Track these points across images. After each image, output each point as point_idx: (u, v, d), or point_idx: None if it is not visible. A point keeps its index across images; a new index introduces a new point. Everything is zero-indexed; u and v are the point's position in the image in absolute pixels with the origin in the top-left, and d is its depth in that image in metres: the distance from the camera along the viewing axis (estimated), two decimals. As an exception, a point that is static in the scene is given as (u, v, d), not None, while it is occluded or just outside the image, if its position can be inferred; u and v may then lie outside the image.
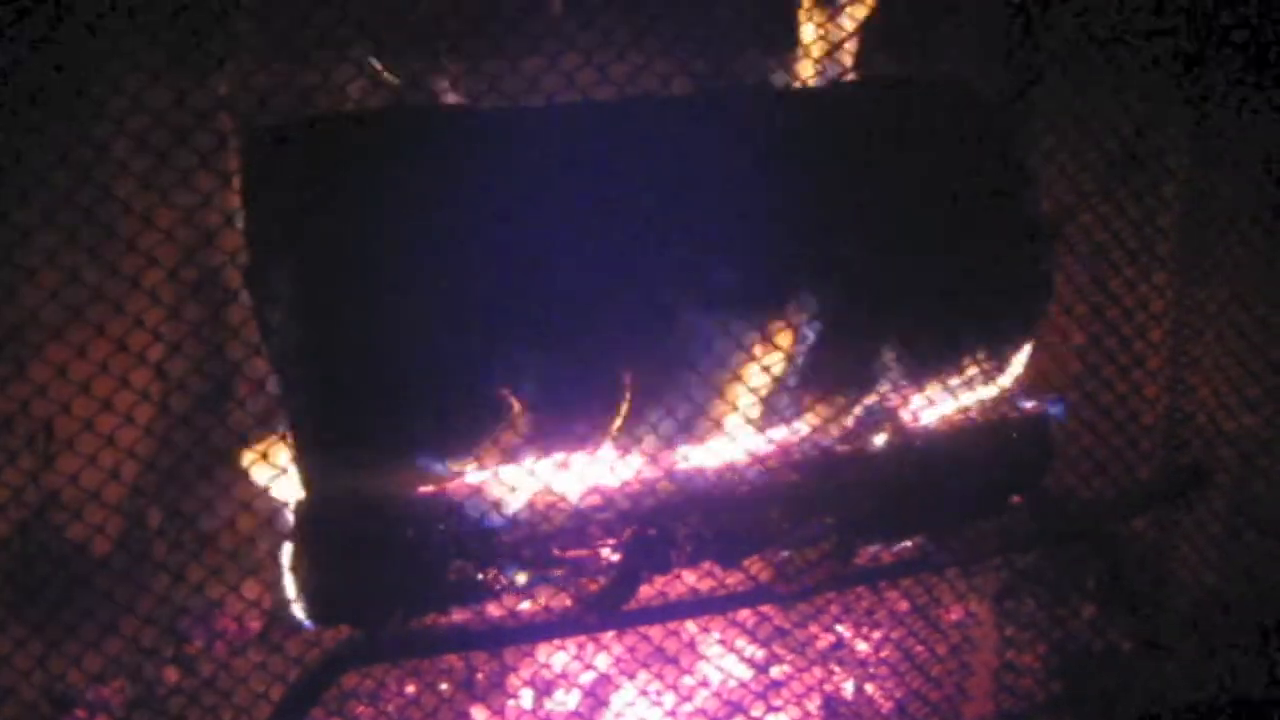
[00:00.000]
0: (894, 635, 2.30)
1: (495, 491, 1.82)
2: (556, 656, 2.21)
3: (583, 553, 1.88)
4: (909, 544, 2.09)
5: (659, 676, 2.16)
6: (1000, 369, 2.12)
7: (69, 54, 1.49)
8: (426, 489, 1.79)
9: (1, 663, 1.79)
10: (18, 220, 1.52)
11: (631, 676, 2.19)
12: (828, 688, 2.27)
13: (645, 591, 1.95)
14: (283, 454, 1.76)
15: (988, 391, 2.12)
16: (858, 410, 2.00)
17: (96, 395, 1.63)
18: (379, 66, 1.78)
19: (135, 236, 1.58)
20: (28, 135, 1.51)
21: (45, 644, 1.85)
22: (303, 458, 1.74)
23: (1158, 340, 2.21)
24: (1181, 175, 2.21)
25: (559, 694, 2.23)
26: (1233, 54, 2.06)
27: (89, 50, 1.51)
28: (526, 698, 2.24)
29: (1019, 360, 2.13)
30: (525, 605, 1.92)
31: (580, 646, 2.17)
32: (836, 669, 2.32)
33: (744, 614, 2.17)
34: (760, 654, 2.30)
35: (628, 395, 1.84)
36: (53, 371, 1.61)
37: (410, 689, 2.18)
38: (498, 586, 1.85)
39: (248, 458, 1.82)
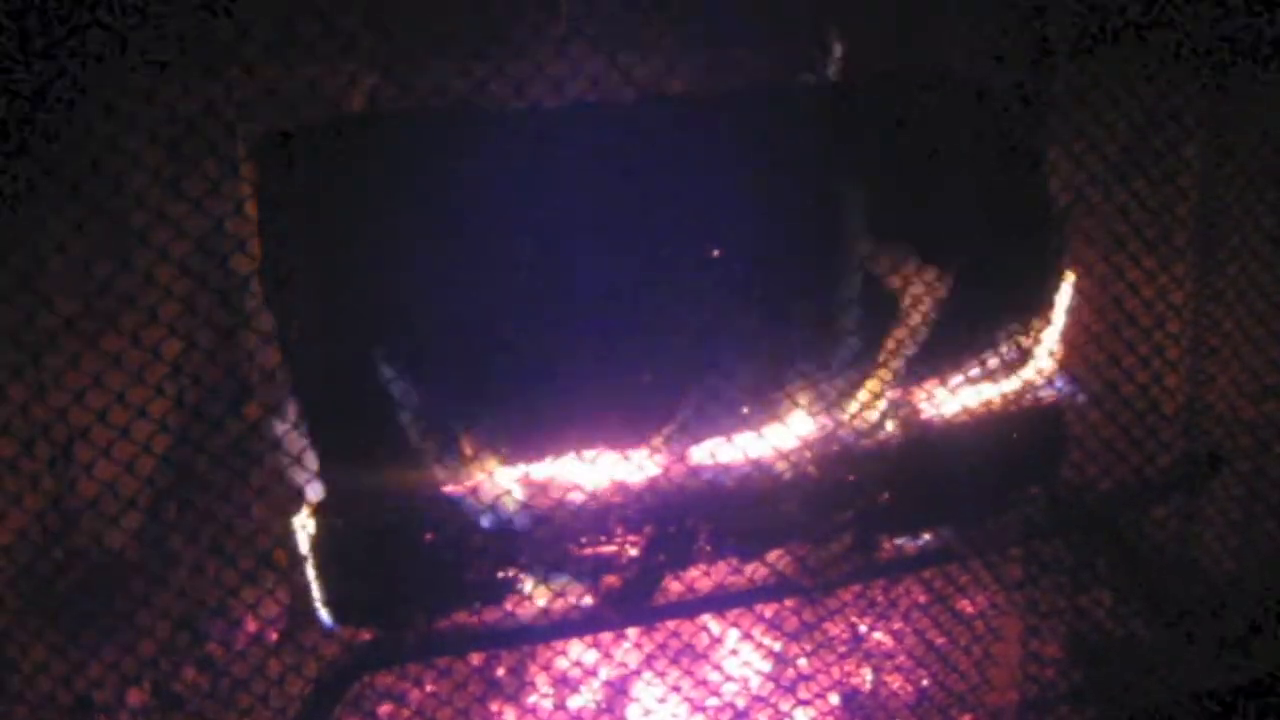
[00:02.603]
0: (917, 626, 2.31)
1: (516, 490, 1.83)
2: (580, 653, 2.21)
3: (606, 549, 1.89)
4: (930, 536, 2.10)
5: (684, 671, 2.16)
6: (1017, 359, 2.13)
7: (97, 64, 1.50)
8: (449, 488, 1.80)
9: (29, 666, 1.80)
10: (51, 228, 1.53)
11: (655, 672, 2.19)
12: (853, 680, 2.28)
13: (669, 586, 1.96)
14: (307, 455, 1.76)
15: (1006, 382, 2.13)
16: (877, 403, 2.01)
17: (127, 401, 1.64)
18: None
19: (165, 244, 1.59)
20: (58, 145, 1.52)
21: (70, 654, 1.86)
22: (325, 458, 1.75)
23: (1177, 330, 2.21)
24: (1198, 164, 2.21)
25: (583, 690, 2.24)
26: (1249, 41, 2.07)
27: (117, 60, 1.51)
28: (550, 694, 2.24)
29: (1036, 350, 2.14)
30: (547, 602, 1.92)
31: (605, 643, 2.18)
32: (860, 661, 2.32)
33: (767, 608, 2.18)
34: (784, 647, 2.31)
35: (650, 393, 1.85)
36: (84, 378, 1.61)
37: (434, 687, 2.19)
38: (522, 585, 1.86)
39: (272, 459, 1.83)
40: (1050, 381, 2.13)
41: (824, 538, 2.01)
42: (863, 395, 1.99)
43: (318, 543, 1.79)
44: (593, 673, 2.21)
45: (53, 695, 1.84)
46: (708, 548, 1.94)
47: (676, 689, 2.15)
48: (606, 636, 2.11)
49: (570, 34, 1.76)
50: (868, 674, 2.31)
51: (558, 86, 1.74)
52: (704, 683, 2.18)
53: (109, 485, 1.69)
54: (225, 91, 1.62)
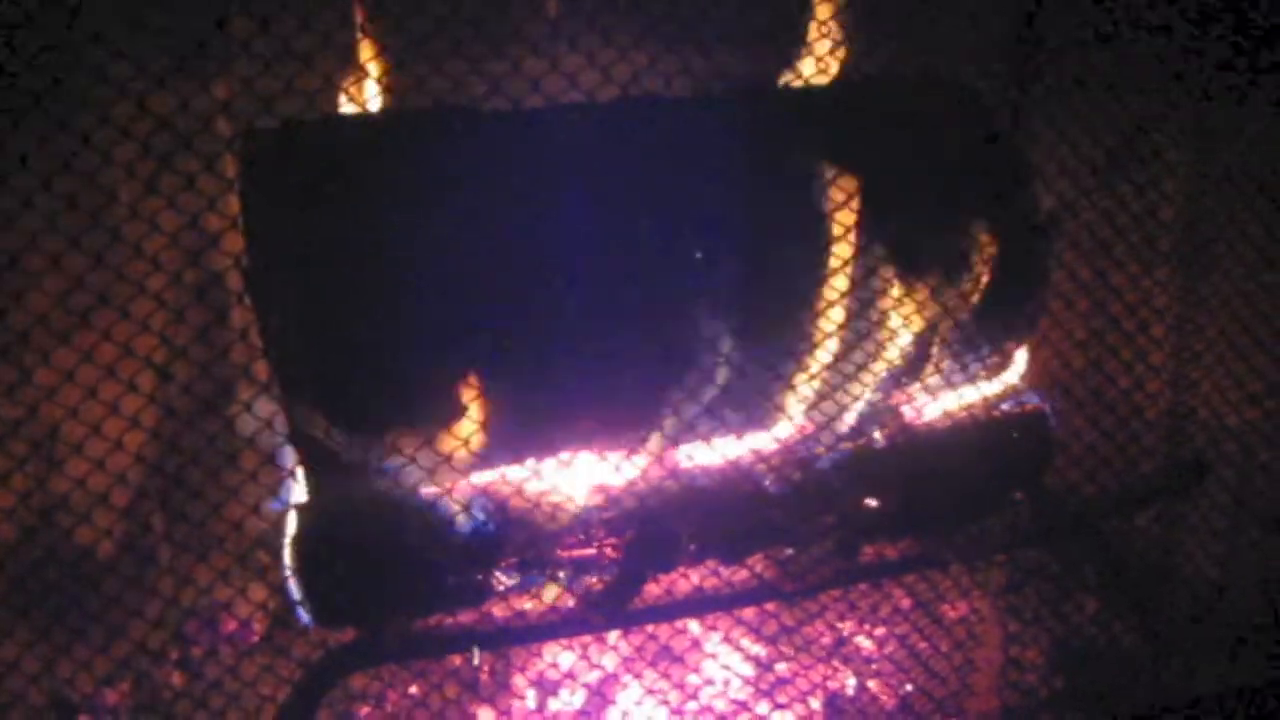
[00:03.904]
0: (898, 632, 2.30)
1: (499, 492, 1.82)
2: (561, 656, 2.20)
3: (586, 552, 1.88)
4: (913, 541, 2.09)
5: (664, 675, 2.16)
6: (1001, 365, 2.12)
7: (72, 60, 1.49)
8: (430, 490, 1.79)
9: (8, 668, 1.79)
10: (24, 225, 1.52)
11: (636, 675, 2.19)
12: (832, 685, 2.28)
13: (650, 590, 1.95)
14: (287, 456, 1.76)
15: (989, 387, 2.12)
16: (860, 407, 2.00)
17: (101, 399, 1.63)
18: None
19: (139, 240, 1.58)
20: (31, 140, 1.51)
21: (51, 648, 1.85)
22: (306, 459, 1.74)
23: (1160, 335, 2.21)
24: (1182, 170, 2.21)
25: (564, 693, 2.23)
26: (1233, 47, 2.07)
27: (92, 56, 1.50)
28: (531, 698, 2.24)
29: (1020, 356, 2.14)
30: (529, 605, 1.92)
31: (585, 646, 2.17)
32: (841, 666, 2.32)
33: (748, 612, 2.17)
34: (765, 651, 2.30)
35: (630, 393, 1.85)
36: (58, 376, 1.61)
37: (414, 690, 2.18)
38: (501, 587, 1.85)
39: (251, 460, 1.81)
40: (1026, 390, 2.12)
41: (806, 542, 2.00)
42: (845, 399, 1.98)
43: (297, 542, 1.77)
44: (573, 675, 2.21)
45: (33, 688, 1.83)
46: (690, 551, 1.93)
47: (657, 692, 2.14)
48: (587, 639, 2.11)
49: (554, 34, 1.75)
50: (849, 679, 2.30)
51: (539, 87, 1.73)
52: (684, 686, 2.17)
53: (84, 483, 1.67)
54: (202, 88, 1.61)
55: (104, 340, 1.61)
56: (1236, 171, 2.18)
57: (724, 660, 2.23)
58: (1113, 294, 2.13)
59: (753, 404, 1.92)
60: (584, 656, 2.17)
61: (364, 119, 1.82)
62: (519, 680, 2.25)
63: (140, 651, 1.87)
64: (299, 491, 1.78)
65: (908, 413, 2.06)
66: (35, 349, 1.60)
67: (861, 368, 1.95)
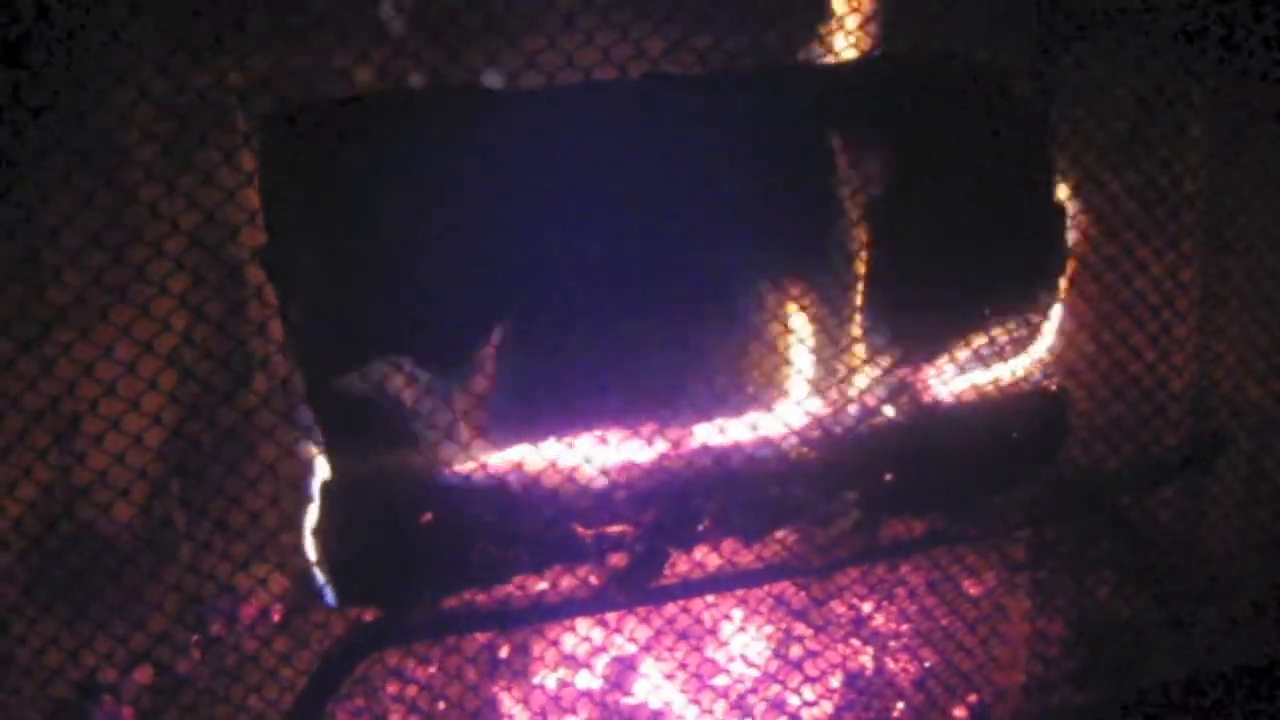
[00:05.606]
0: (921, 607, 2.30)
1: (524, 470, 1.82)
2: (585, 632, 2.21)
3: (610, 529, 1.89)
4: (934, 517, 2.10)
5: (685, 652, 2.16)
6: (1023, 341, 2.12)
7: (94, 49, 1.48)
8: (454, 467, 1.79)
9: (32, 653, 1.80)
10: (43, 216, 1.52)
11: (657, 652, 2.19)
12: (861, 660, 2.28)
13: (673, 567, 1.96)
14: (314, 431, 1.76)
15: (1012, 362, 2.12)
16: (881, 385, 2.00)
17: (123, 387, 1.63)
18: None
19: (165, 222, 1.58)
20: (52, 129, 1.51)
21: (75, 634, 1.85)
22: (328, 441, 1.74)
23: (1184, 309, 2.21)
24: (1206, 144, 2.21)
25: (585, 670, 2.24)
26: (1258, 21, 2.07)
27: (114, 43, 1.50)
28: (553, 674, 2.24)
29: (1041, 332, 2.14)
30: (553, 582, 1.92)
31: (606, 623, 2.17)
32: (864, 642, 2.33)
33: (772, 588, 2.18)
34: (788, 628, 2.31)
35: (657, 372, 1.85)
36: (79, 364, 1.60)
37: (437, 667, 2.19)
38: (524, 566, 1.86)
39: (278, 435, 1.82)
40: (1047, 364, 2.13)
41: (829, 518, 2.01)
42: (868, 375, 1.99)
43: (323, 521, 1.78)
44: (598, 651, 2.21)
45: (59, 674, 1.83)
46: (712, 528, 1.94)
47: (684, 666, 2.15)
48: (611, 616, 2.11)
49: (577, 12, 1.75)
50: (872, 654, 2.31)
51: (565, 65, 1.73)
52: (709, 662, 2.18)
53: (116, 458, 1.67)
54: (236, 64, 1.61)
55: (126, 327, 1.61)
56: (1261, 143, 2.18)
57: (748, 636, 2.24)
58: (1137, 268, 2.13)
59: (774, 379, 1.93)
60: (610, 633, 2.17)
61: (385, 99, 1.81)
62: (540, 657, 2.26)
63: (169, 629, 1.87)
64: (323, 472, 1.78)
65: (929, 388, 2.06)
66: (70, 324, 1.60)
67: (883, 342, 1.95)
